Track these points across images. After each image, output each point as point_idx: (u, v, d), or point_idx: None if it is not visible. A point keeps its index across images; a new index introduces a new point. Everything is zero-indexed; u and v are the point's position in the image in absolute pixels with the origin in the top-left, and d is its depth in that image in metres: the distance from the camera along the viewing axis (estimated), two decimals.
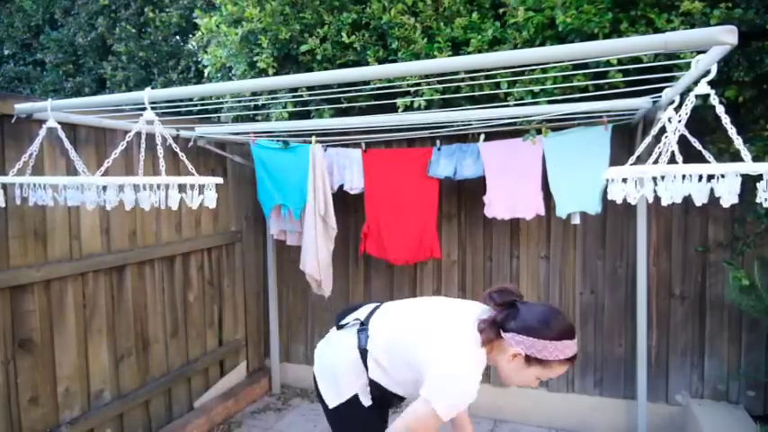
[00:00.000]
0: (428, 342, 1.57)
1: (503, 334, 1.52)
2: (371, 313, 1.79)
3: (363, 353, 1.68)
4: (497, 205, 3.00)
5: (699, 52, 1.63)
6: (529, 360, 1.49)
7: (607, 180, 1.68)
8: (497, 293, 1.60)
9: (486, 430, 3.27)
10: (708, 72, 1.51)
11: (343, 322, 1.80)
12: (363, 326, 1.73)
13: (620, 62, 2.47)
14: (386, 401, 1.79)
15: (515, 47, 2.74)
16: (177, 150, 2.09)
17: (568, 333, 1.51)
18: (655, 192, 1.51)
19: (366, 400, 1.72)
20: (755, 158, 2.38)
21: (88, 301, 2.56)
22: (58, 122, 2.17)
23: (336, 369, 1.73)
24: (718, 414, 2.79)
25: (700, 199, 1.40)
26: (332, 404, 1.72)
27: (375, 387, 1.70)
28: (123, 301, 2.76)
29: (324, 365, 1.79)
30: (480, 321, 1.57)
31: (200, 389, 3.34)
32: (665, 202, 1.48)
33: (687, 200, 1.46)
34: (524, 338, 1.48)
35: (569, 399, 3.25)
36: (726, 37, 1.35)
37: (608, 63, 2.48)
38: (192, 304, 3.27)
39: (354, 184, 3.30)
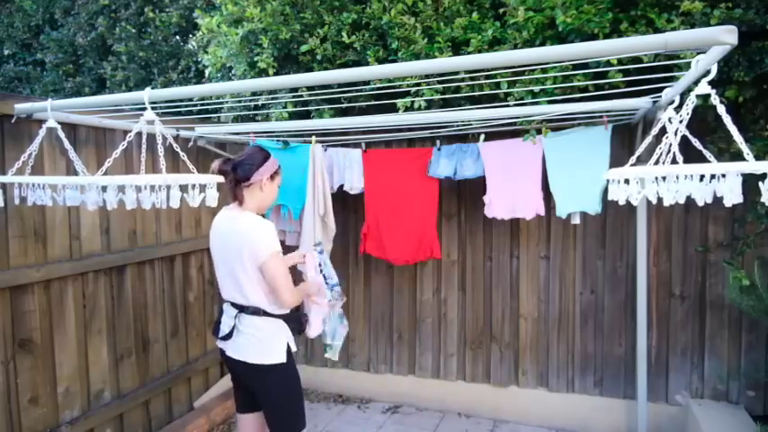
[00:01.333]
0: (240, 248, 1.97)
1: (246, 183, 2.01)
2: (231, 304, 2.07)
3: (258, 311, 2.01)
4: (497, 205, 3.00)
5: (699, 52, 1.63)
6: (272, 177, 2.09)
7: (608, 180, 1.68)
8: (221, 173, 2.00)
9: (486, 430, 3.27)
10: (708, 72, 1.51)
11: (227, 331, 2.04)
12: (239, 305, 2.04)
13: (620, 62, 2.47)
14: (298, 332, 2.18)
15: (515, 47, 2.73)
16: (178, 150, 2.09)
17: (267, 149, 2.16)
18: (657, 192, 1.51)
19: (293, 345, 2.09)
20: (756, 158, 2.37)
21: (88, 301, 2.56)
22: (58, 122, 2.17)
23: (269, 334, 2.03)
24: (718, 414, 2.79)
25: (702, 198, 1.40)
26: (273, 360, 2.01)
27: (290, 318, 2.09)
28: (123, 301, 2.76)
29: (248, 340, 2.02)
30: (231, 198, 2.07)
31: (200, 389, 3.34)
32: (667, 203, 1.48)
33: (687, 199, 1.46)
34: (261, 169, 2.03)
35: (569, 399, 3.25)
36: (726, 37, 1.35)
37: (608, 63, 2.48)
38: (192, 304, 3.27)
39: (354, 184, 3.29)
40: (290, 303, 2.02)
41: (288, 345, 2.07)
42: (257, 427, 2.22)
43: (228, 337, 2.04)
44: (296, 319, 2.15)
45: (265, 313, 2.02)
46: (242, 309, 2.03)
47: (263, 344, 2.01)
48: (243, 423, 2.23)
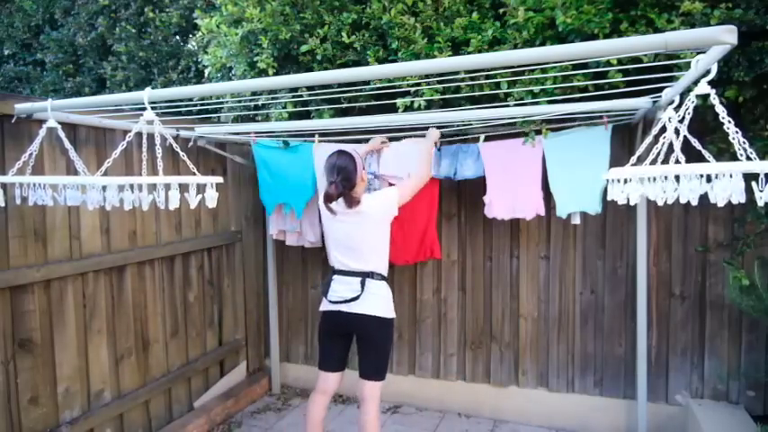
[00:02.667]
0: (379, 219, 2.50)
1: (354, 187, 2.44)
2: (351, 273, 2.47)
3: (382, 276, 2.50)
4: (497, 205, 3.00)
5: (699, 52, 1.63)
6: (363, 167, 2.52)
7: (608, 180, 1.68)
8: (341, 196, 2.41)
9: (486, 430, 3.27)
10: (708, 72, 1.51)
11: (355, 294, 2.42)
12: (364, 273, 2.45)
13: (620, 62, 2.46)
14: None
15: (515, 47, 2.73)
16: (178, 150, 2.09)
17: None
18: (656, 192, 1.51)
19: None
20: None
21: (88, 301, 2.56)
22: (58, 122, 2.17)
23: (389, 294, 2.52)
24: (718, 414, 2.79)
25: (696, 199, 1.40)
26: (391, 315, 2.50)
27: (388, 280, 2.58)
28: (123, 301, 2.76)
29: (376, 299, 2.45)
30: (347, 202, 2.43)
31: (200, 389, 3.34)
32: (662, 203, 1.48)
33: (687, 199, 1.46)
34: (357, 171, 2.44)
35: (569, 399, 3.25)
36: (726, 37, 1.35)
37: (608, 63, 2.48)
38: (192, 304, 3.27)
39: None
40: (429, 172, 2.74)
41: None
42: (339, 383, 2.61)
43: (356, 298, 2.41)
44: None
45: (383, 277, 2.51)
46: (368, 275, 2.45)
47: (387, 301, 2.48)
48: (331, 379, 2.57)
